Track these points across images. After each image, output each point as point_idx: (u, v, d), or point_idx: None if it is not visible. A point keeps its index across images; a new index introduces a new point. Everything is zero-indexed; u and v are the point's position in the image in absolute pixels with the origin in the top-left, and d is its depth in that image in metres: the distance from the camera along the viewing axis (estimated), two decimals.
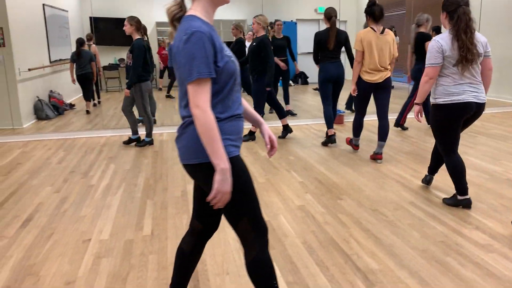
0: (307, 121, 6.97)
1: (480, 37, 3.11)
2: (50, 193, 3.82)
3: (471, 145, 5.14)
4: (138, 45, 5.11)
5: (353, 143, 4.95)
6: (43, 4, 8.04)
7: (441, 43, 3.07)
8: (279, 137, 5.78)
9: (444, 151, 3.24)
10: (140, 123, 6.02)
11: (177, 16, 1.63)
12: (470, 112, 3.13)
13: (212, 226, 1.87)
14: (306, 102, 8.92)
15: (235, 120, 1.63)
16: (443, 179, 3.93)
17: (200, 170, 1.61)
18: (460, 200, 3.26)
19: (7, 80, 6.56)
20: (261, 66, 5.39)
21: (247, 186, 1.63)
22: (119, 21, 9.80)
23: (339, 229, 2.96)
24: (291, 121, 6.89)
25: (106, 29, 9.55)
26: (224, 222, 3.03)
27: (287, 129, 5.79)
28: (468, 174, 4.05)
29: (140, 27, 5.25)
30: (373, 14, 4.41)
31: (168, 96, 9.49)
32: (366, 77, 4.43)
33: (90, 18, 9.32)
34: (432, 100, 3.25)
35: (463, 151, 4.90)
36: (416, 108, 3.38)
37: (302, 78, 11.68)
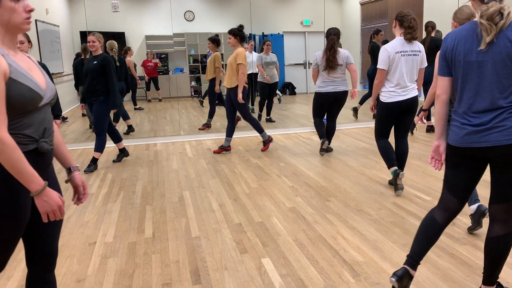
0: (296, 130, 7.24)
1: (343, 53, 5.09)
2: None
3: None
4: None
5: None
6: (36, 20, 8.25)
7: (316, 55, 5.18)
8: (114, 161, 5.47)
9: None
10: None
11: None
12: (331, 99, 5.26)
13: (463, 205, 2.12)
14: (294, 111, 9.20)
15: None
16: (422, 181, 4.21)
17: None
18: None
19: None
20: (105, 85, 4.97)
21: None
22: (110, 35, 10.05)
23: (327, 227, 3.21)
24: (276, 130, 7.17)
25: None
26: (220, 225, 3.25)
27: (124, 152, 5.52)
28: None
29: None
30: None
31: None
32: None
33: (80, 32, 9.54)
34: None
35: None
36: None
37: (290, 89, 12.01)
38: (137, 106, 9.84)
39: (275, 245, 2.95)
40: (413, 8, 10.07)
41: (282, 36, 11.31)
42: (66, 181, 1.78)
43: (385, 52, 3.76)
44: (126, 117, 7.34)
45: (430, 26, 6.18)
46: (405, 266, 2.17)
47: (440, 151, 2.16)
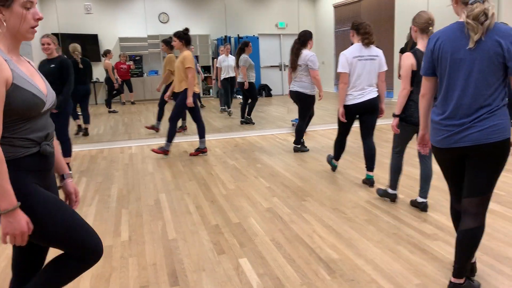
0: (272, 131, 7.30)
1: (304, 56, 5.30)
2: None
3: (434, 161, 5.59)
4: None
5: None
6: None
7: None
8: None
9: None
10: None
11: None
12: (294, 98, 5.53)
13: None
14: (271, 113, 9.26)
15: None
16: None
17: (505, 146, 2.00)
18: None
19: None
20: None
21: None
22: (83, 38, 9.90)
23: (303, 227, 3.25)
24: (253, 131, 7.21)
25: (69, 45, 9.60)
26: (197, 226, 3.26)
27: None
28: (418, 174, 4.45)
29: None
30: None
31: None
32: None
33: (52, 34, 9.36)
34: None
35: (414, 153, 5.34)
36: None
37: (265, 91, 12.07)
38: (112, 109, 9.74)
39: (252, 245, 2.98)
40: (384, 12, 10.31)
41: (257, 38, 11.38)
42: (58, 188, 1.77)
43: (343, 57, 4.01)
44: (75, 117, 7.42)
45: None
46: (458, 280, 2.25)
47: (426, 139, 2.40)
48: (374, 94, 4.05)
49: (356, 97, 4.03)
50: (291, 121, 7.60)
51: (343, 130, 4.32)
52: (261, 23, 11.70)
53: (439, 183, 4.17)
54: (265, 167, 5.03)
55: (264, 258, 2.78)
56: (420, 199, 3.48)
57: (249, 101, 7.96)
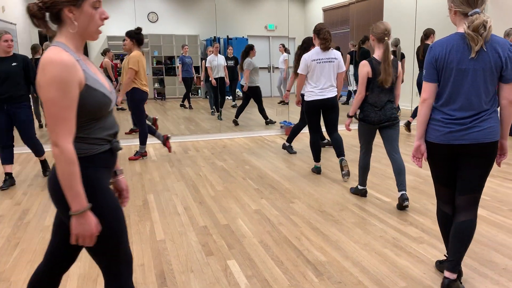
0: (260, 133, 7.31)
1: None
2: (10, 206, 3.88)
3: (408, 153, 5.67)
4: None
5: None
6: None
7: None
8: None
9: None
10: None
11: None
12: None
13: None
14: (259, 115, 9.26)
15: None
16: (382, 183, 4.37)
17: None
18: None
19: None
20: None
21: None
22: None
23: (291, 229, 3.27)
24: (241, 133, 7.22)
25: None
26: (185, 227, 3.26)
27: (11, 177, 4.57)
28: (406, 179, 4.51)
29: None
30: None
31: (182, 106, 10.19)
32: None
33: (39, 31, 9.24)
34: None
35: (403, 159, 5.39)
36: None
37: None
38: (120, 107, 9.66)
39: (240, 247, 2.99)
40: (373, 16, 10.42)
41: (247, 39, 11.39)
42: (110, 184, 1.77)
43: (303, 60, 4.51)
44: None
45: (423, 34, 6.47)
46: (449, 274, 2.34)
47: (421, 151, 2.36)
48: (333, 94, 4.57)
49: (317, 94, 4.51)
50: (280, 123, 7.62)
51: (314, 126, 4.67)
52: (251, 25, 11.72)
53: (425, 187, 4.23)
54: (253, 168, 5.05)
55: (252, 260, 2.79)
56: (399, 193, 3.63)
57: (244, 104, 7.94)
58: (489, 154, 2.23)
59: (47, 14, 1.46)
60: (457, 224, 2.32)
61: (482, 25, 2.07)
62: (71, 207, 1.42)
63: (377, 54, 3.56)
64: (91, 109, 1.47)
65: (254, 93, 7.83)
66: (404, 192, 3.60)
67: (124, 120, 8.65)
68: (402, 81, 4.00)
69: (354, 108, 3.77)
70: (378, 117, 3.61)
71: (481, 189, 2.30)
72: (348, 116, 3.91)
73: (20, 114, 4.39)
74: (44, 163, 4.86)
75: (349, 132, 7.06)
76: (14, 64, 4.30)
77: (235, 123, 7.97)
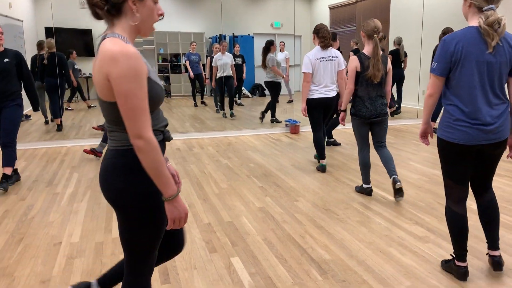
0: (265, 131, 7.29)
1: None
2: (15, 201, 3.88)
3: (414, 152, 5.63)
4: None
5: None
6: None
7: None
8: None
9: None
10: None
11: None
12: None
13: None
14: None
15: None
16: (387, 182, 4.33)
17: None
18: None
19: None
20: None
21: None
22: (76, 32, 9.83)
23: (295, 227, 3.26)
24: (246, 131, 7.20)
25: (64, 39, 9.52)
26: (189, 224, 3.25)
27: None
28: (410, 178, 4.49)
29: None
30: None
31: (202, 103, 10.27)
32: None
33: (46, 28, 9.27)
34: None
35: (407, 157, 5.37)
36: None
37: (259, 90, 12.06)
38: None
39: (244, 244, 2.97)
40: (380, 13, 10.35)
41: (253, 37, 11.37)
42: None
43: (307, 58, 4.53)
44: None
45: (442, 33, 6.43)
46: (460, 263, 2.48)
47: (428, 132, 2.58)
48: (335, 93, 4.65)
49: (321, 92, 4.56)
50: (285, 121, 7.60)
51: (317, 124, 4.70)
52: (257, 22, 11.69)
53: (430, 186, 4.20)
54: (258, 166, 5.03)
55: (256, 257, 2.78)
56: (391, 179, 3.73)
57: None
58: (504, 146, 2.37)
59: (107, 5, 1.43)
60: (482, 206, 2.49)
61: (496, 22, 2.12)
62: (164, 194, 1.44)
63: (367, 49, 3.71)
64: (153, 101, 1.48)
65: (274, 88, 7.76)
66: (395, 175, 3.69)
67: None
68: (402, 79, 4.06)
69: (345, 102, 3.94)
70: (369, 112, 3.72)
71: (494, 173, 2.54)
72: (341, 111, 4.05)
73: (7, 111, 4.19)
74: (5, 176, 4.19)
75: (349, 131, 7.01)
76: (6, 60, 4.14)
77: (276, 121, 7.95)
